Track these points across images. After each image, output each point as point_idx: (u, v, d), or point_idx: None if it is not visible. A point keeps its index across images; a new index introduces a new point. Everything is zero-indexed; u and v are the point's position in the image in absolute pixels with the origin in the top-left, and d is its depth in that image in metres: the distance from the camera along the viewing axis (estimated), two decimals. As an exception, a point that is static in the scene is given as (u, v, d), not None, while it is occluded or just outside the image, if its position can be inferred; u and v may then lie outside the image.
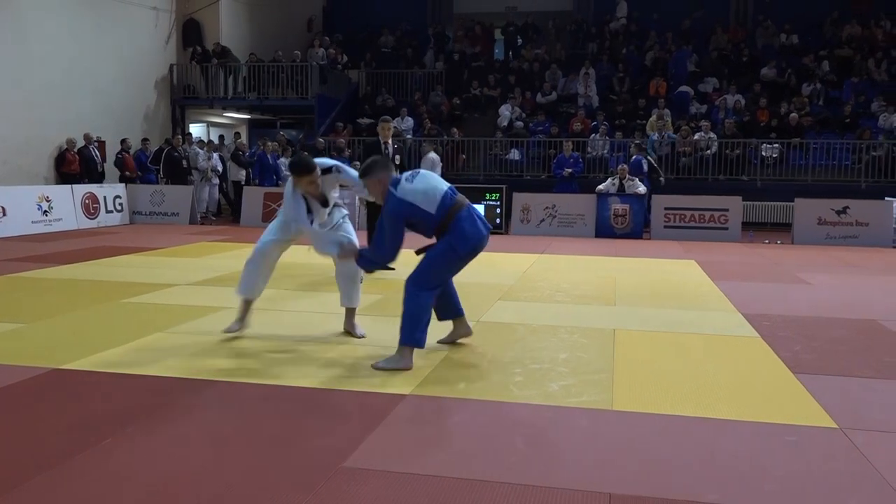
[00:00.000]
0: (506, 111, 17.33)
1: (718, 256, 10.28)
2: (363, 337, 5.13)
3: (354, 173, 4.93)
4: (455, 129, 16.65)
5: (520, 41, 21.03)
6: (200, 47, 18.20)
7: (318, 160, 4.91)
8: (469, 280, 7.75)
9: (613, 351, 4.91)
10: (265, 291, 5.34)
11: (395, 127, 8.32)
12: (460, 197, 4.43)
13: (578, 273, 8.51)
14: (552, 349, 4.93)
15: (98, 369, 4.32)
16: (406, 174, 4.45)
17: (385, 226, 4.33)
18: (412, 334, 4.32)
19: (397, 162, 8.24)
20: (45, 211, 12.84)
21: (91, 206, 13.84)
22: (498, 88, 18.60)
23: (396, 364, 4.33)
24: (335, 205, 5.12)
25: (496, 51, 21.87)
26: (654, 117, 16.21)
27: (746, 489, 2.86)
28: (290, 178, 4.92)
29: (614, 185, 13.33)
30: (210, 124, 20.83)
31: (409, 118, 17.40)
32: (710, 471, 3.04)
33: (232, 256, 8.39)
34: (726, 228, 12.83)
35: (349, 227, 5.15)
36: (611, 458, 3.14)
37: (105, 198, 14.22)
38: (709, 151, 15.31)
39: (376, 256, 4.55)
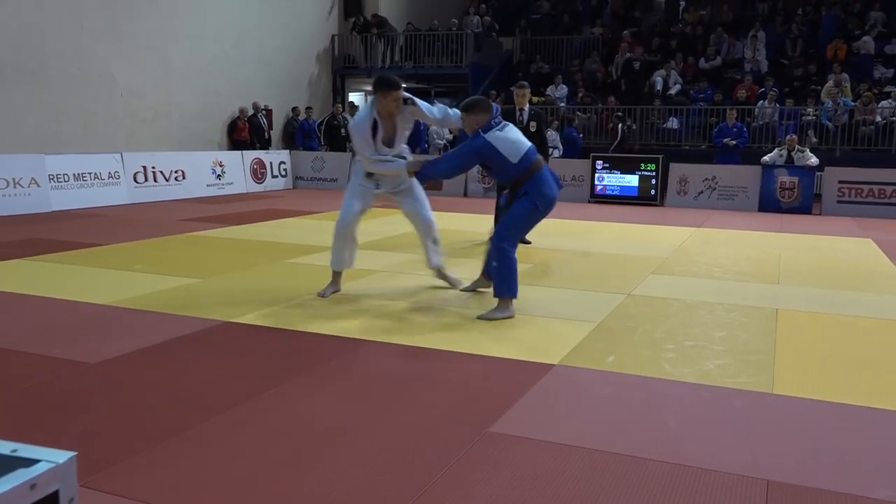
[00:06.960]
0: (659, 77, 16.59)
1: (899, 235, 9.43)
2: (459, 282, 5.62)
3: (429, 107, 5.22)
4: (612, 98, 16.16)
5: (682, 3, 20.02)
6: (361, 17, 18.71)
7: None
8: (621, 252, 7.59)
9: (775, 332, 4.64)
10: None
11: (529, 92, 8.22)
12: (539, 156, 4.87)
13: (739, 248, 8.08)
14: (708, 326, 4.74)
15: (262, 324, 4.62)
16: (497, 122, 4.77)
17: (461, 152, 4.86)
18: (509, 287, 4.79)
19: (532, 129, 7.65)
20: (219, 175, 13.80)
21: (258, 171, 14.71)
22: (658, 54, 17.84)
23: (502, 314, 4.77)
24: (401, 156, 5.21)
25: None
26: (830, 83, 14.98)
27: (924, 488, 2.63)
28: (367, 105, 5.19)
29: (782, 157, 12.50)
30: (368, 93, 21.44)
31: (564, 86, 17.08)
32: (879, 465, 2.81)
33: (386, 222, 8.66)
34: (911, 205, 11.73)
35: (420, 190, 5.35)
36: (769, 443, 2.98)
37: (271, 163, 15.07)
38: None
39: (432, 168, 5.05)
